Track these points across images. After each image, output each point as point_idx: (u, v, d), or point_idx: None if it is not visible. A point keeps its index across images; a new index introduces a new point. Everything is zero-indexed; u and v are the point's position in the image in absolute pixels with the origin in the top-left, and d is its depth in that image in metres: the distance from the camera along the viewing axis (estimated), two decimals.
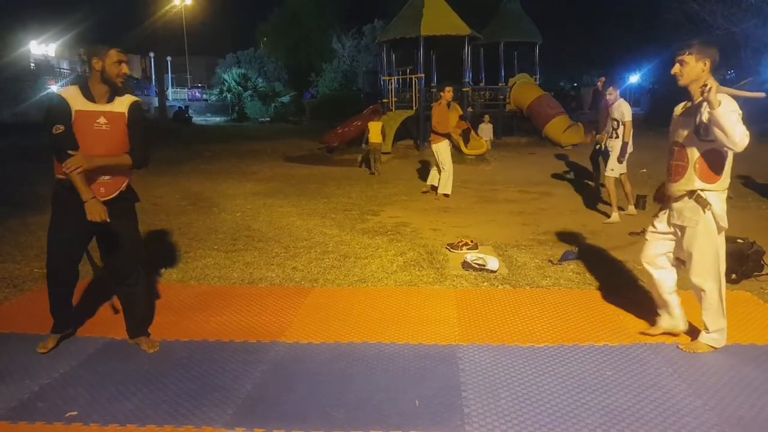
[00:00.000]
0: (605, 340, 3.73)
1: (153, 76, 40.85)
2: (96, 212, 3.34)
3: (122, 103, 3.53)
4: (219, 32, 50.06)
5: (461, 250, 5.82)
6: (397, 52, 20.29)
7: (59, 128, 3.31)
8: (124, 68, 3.50)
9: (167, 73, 43.81)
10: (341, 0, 41.48)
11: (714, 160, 3.27)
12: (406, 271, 5.32)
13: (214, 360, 3.52)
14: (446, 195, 9.35)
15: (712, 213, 3.31)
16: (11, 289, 4.89)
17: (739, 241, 5.00)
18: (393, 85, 18.98)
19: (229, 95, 42.29)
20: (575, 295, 4.64)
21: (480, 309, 4.33)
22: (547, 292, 4.70)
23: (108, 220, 3.36)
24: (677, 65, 3.35)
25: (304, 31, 41.81)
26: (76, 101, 3.39)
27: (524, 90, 20.60)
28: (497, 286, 4.87)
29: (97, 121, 3.41)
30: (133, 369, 3.42)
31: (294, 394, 3.10)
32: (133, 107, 3.57)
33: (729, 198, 3.42)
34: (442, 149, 9.26)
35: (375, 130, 13.47)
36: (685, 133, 3.34)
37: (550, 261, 5.52)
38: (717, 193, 3.32)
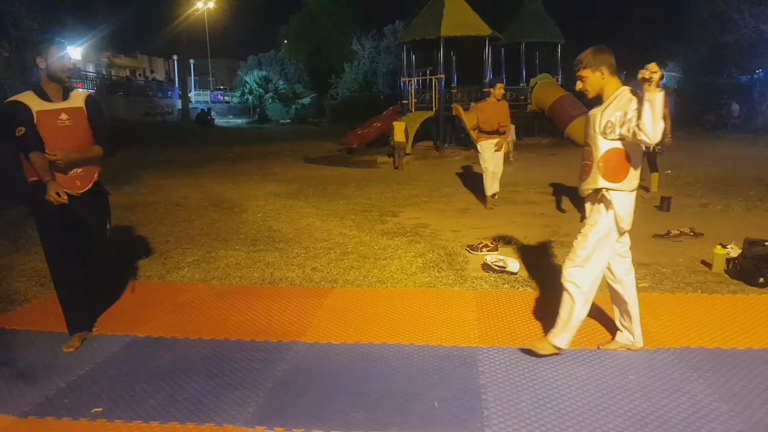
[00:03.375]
0: None
1: (176, 79, 41.29)
2: (52, 195, 3.43)
3: (78, 99, 3.68)
4: (241, 35, 50.56)
5: (481, 251, 5.80)
6: (418, 53, 20.30)
7: (21, 130, 3.44)
8: (67, 63, 3.59)
9: (190, 75, 44.25)
10: (362, 2, 41.56)
11: (618, 158, 3.23)
12: (425, 272, 5.31)
13: (235, 359, 3.55)
14: (494, 195, 8.78)
15: (614, 213, 3.26)
16: (39, 287, 4.97)
17: (767, 243, 4.91)
18: (413, 87, 18.97)
19: (250, 97, 42.65)
20: (597, 298, 4.55)
21: (500, 311, 4.31)
22: None
23: (66, 201, 3.45)
24: (579, 82, 3.36)
25: (325, 33, 42.01)
26: (35, 103, 3.51)
27: (546, 90, 20.44)
28: (517, 288, 4.84)
29: (60, 117, 3.55)
30: (156, 367, 3.46)
31: (314, 393, 3.12)
32: (89, 101, 3.73)
33: (641, 198, 3.37)
34: (485, 147, 8.47)
35: (399, 130, 14.39)
36: (592, 132, 3.32)
37: None
38: (622, 194, 3.26)
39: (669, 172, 10.95)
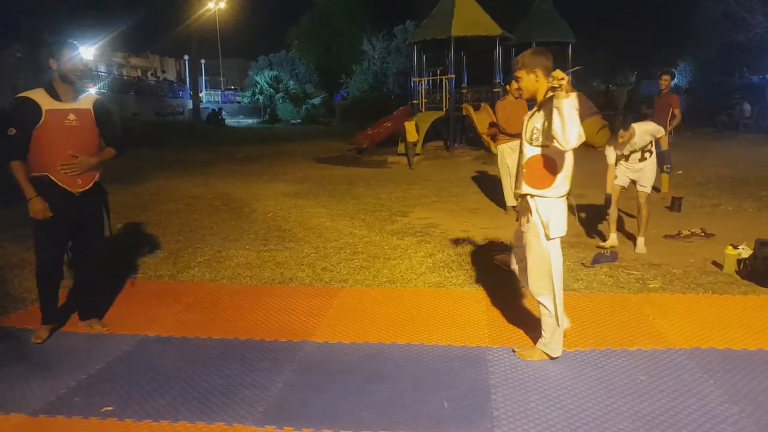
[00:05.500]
0: (638, 344, 3.67)
1: (187, 79, 41.47)
2: (38, 210, 3.57)
3: (87, 101, 3.77)
4: (252, 35, 50.71)
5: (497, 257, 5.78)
6: (428, 53, 20.23)
7: (12, 130, 3.53)
8: (78, 64, 3.67)
9: (201, 75, 44.43)
10: (372, 2, 41.54)
11: (541, 165, 3.24)
12: (435, 272, 5.31)
13: (245, 358, 3.57)
14: (515, 208, 8.14)
15: (540, 220, 3.27)
16: None
17: None
18: (423, 87, 18.94)
19: (261, 97, 42.74)
20: (608, 298, 4.57)
21: (511, 311, 4.30)
22: (579, 296, 4.64)
23: (50, 215, 3.59)
24: (514, 82, 3.37)
25: (335, 33, 42.02)
26: (45, 101, 3.59)
27: None
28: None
29: (68, 117, 3.63)
30: (167, 366, 3.48)
31: (323, 393, 3.13)
32: (98, 103, 3.82)
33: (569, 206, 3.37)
34: (507, 152, 7.50)
35: (411, 129, 14.86)
36: (521, 138, 3.36)
37: (583, 264, 5.45)
38: (548, 200, 3.26)
39: (680, 172, 10.88)
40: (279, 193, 10.31)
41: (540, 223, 3.27)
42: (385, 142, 18.69)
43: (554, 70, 3.08)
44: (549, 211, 3.26)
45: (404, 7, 36.91)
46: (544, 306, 3.40)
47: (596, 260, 5.44)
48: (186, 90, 39.34)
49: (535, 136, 3.24)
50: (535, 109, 3.31)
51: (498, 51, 18.62)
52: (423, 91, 18.88)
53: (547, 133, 3.10)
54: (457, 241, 6.39)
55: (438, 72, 19.36)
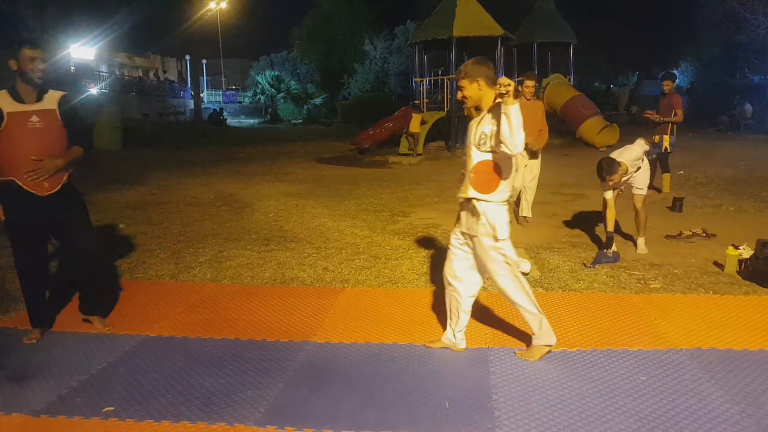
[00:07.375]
0: (639, 344, 3.67)
1: (189, 79, 41.45)
2: None
3: (51, 100, 3.66)
4: (253, 35, 50.62)
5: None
6: (430, 53, 20.25)
7: None
8: (38, 65, 3.57)
9: (202, 75, 44.41)
10: (374, 2, 41.54)
11: (487, 170, 3.30)
12: (437, 272, 5.31)
13: (246, 358, 3.57)
14: (526, 218, 7.50)
15: (488, 223, 3.31)
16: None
17: None
18: (425, 87, 18.95)
19: (262, 97, 42.73)
20: (609, 298, 4.57)
21: (511, 312, 4.29)
22: (580, 296, 4.64)
23: (3, 218, 3.57)
24: (459, 92, 3.44)
25: (337, 33, 42.03)
26: (6, 104, 3.51)
27: (558, 91, 20.34)
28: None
29: (30, 120, 3.54)
30: (168, 366, 3.49)
31: (325, 393, 3.13)
32: (62, 101, 3.71)
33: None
34: (518, 161, 6.91)
35: (415, 122, 16.10)
36: (468, 143, 3.41)
37: (584, 264, 5.45)
38: (493, 204, 3.32)
39: (681, 172, 10.88)
40: (280, 193, 10.31)
41: (489, 226, 3.32)
42: (386, 143, 18.70)
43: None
44: (494, 215, 3.32)
45: (405, 7, 36.93)
46: (519, 303, 3.43)
47: (597, 260, 5.44)
48: (187, 90, 39.29)
49: (482, 141, 3.29)
50: (482, 115, 3.36)
51: (500, 51, 18.62)
52: (425, 91, 18.89)
53: (496, 138, 3.16)
54: None
55: (440, 72, 19.38)
